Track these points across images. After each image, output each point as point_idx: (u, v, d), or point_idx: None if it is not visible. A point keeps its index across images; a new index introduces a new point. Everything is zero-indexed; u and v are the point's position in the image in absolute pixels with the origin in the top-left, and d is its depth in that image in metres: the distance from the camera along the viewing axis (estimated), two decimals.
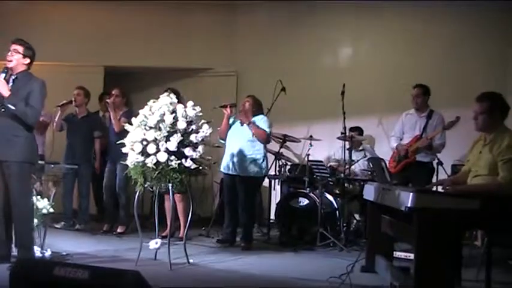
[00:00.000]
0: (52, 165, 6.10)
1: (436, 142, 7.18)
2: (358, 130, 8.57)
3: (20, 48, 5.39)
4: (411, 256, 5.63)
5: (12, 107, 5.14)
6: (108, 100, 7.86)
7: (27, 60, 5.44)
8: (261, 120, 7.11)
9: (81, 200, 8.24)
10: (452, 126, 6.82)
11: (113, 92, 7.95)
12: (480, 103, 4.83)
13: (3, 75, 5.26)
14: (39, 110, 5.43)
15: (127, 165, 5.68)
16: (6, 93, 5.17)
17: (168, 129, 5.45)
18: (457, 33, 8.88)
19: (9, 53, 5.38)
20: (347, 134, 7.70)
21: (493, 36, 8.78)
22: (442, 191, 5.00)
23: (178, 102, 5.78)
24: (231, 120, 7.23)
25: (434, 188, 5.23)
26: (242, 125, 7.11)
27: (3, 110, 5.20)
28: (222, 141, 7.36)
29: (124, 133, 5.78)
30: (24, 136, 5.28)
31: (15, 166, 5.22)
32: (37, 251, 5.46)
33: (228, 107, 7.17)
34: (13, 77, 5.37)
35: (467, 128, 5.18)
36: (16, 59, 5.37)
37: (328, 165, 8.25)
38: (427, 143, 7.08)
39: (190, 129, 5.60)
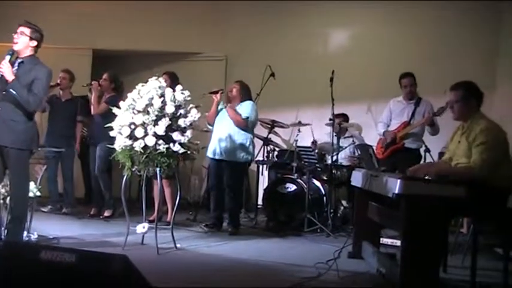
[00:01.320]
0: (39, 149, 6.05)
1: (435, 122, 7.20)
2: (344, 117, 8.57)
3: (27, 30, 5.18)
4: (398, 243, 5.67)
5: (15, 93, 5.00)
6: (93, 82, 7.83)
7: (34, 43, 5.24)
8: (244, 106, 7.11)
9: (65, 183, 8.22)
10: (443, 113, 6.83)
11: (103, 76, 7.92)
12: (455, 91, 4.88)
13: (8, 57, 5.08)
14: (41, 98, 5.30)
15: (108, 148, 5.65)
16: (10, 77, 4.99)
17: (156, 113, 5.43)
18: (446, 21, 8.91)
19: (15, 36, 5.19)
20: (335, 121, 7.70)
21: (483, 24, 8.84)
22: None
23: (176, 85, 5.77)
24: (219, 107, 7.20)
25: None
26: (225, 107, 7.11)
27: (4, 92, 5.06)
28: (210, 127, 7.33)
29: (107, 117, 5.74)
30: (23, 122, 5.10)
31: (13, 152, 5.11)
32: (24, 234, 5.44)
33: (218, 93, 7.13)
34: (19, 61, 5.18)
35: None
36: (22, 42, 5.17)
37: (316, 152, 8.26)
38: (430, 120, 7.06)
39: (178, 114, 5.58)
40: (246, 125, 7.07)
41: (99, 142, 7.42)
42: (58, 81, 8.06)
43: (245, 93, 7.23)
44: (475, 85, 4.89)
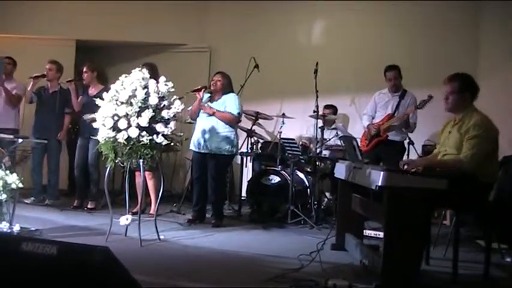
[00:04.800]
0: (21, 140, 5.99)
1: (410, 121, 7.22)
2: (332, 108, 8.58)
3: None
4: (381, 235, 5.69)
5: None
6: (69, 80, 7.80)
7: None
8: (231, 101, 7.06)
9: (50, 175, 8.16)
10: (425, 105, 6.85)
11: (84, 68, 7.88)
12: (451, 83, 4.88)
13: None
14: None
15: (98, 141, 5.62)
16: None
17: (139, 104, 5.40)
18: (429, 13, 8.93)
19: None
20: (320, 112, 7.71)
21: (464, 16, 8.88)
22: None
23: (155, 77, 5.72)
24: (204, 97, 7.16)
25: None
26: (212, 102, 7.08)
27: None
28: (193, 122, 7.31)
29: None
30: None
31: None
32: (5, 226, 5.41)
33: (201, 91, 7.08)
34: None
35: (438, 108, 5.23)
36: None
37: (300, 143, 8.27)
38: (404, 119, 7.08)
39: (162, 105, 5.55)
40: (238, 121, 7.11)
41: (91, 135, 7.36)
42: (44, 73, 7.98)
43: (227, 85, 7.20)
44: (472, 78, 4.91)
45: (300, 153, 7.92)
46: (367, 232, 6.15)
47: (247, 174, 8.68)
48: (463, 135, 4.69)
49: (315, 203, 7.56)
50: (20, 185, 5.62)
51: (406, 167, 4.75)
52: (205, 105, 7.05)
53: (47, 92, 8.14)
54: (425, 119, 7.25)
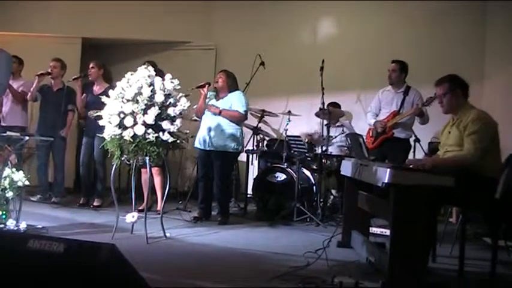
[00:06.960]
0: (28, 137, 6.00)
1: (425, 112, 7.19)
2: (335, 105, 8.56)
3: None
4: (387, 232, 5.68)
5: None
6: (75, 77, 7.79)
7: None
8: (236, 99, 7.06)
9: (56, 173, 8.17)
10: (432, 102, 6.82)
11: (90, 65, 7.88)
12: (440, 85, 4.93)
13: None
14: (5, 85, 5.14)
15: (104, 139, 5.62)
16: None
17: (145, 102, 5.40)
18: (435, 11, 8.91)
19: None
20: (325, 109, 7.69)
21: (469, 15, 8.85)
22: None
23: (157, 75, 5.72)
24: (208, 94, 7.15)
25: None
26: (217, 100, 7.10)
27: None
28: (199, 119, 7.31)
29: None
30: None
31: None
32: (12, 224, 5.42)
33: (205, 87, 7.09)
34: None
35: None
36: None
37: (306, 141, 8.26)
38: (419, 110, 7.04)
39: (168, 103, 5.55)
40: (245, 118, 7.12)
41: (94, 133, 7.37)
42: (49, 70, 7.99)
43: (232, 83, 7.19)
44: (459, 77, 4.93)
45: (305, 150, 7.90)
46: (373, 229, 6.15)
47: (253, 171, 8.68)
48: (463, 132, 4.69)
49: (321, 200, 7.54)
50: (27, 183, 5.64)
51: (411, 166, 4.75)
52: (210, 104, 7.06)
53: (51, 89, 8.15)
54: (431, 117, 7.22)
